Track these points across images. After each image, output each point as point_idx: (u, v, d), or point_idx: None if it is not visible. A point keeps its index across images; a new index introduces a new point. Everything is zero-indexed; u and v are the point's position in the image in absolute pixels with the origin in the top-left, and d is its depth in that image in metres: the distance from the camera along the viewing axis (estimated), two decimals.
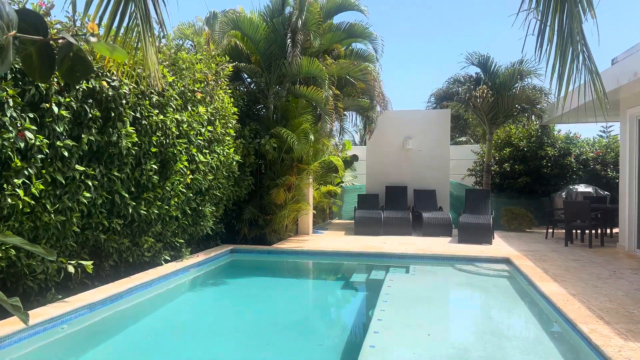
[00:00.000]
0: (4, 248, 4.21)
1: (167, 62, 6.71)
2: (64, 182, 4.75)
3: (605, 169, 13.66)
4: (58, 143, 4.65)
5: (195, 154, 6.99)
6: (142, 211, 6.00)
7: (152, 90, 6.05)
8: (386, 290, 5.78)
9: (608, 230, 10.91)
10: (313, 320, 5.58)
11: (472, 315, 5.60)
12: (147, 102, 6.00)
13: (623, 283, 5.96)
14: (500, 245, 9.25)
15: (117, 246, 5.81)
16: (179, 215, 6.95)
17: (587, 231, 9.49)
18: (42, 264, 4.67)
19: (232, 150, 8.12)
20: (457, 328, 5.06)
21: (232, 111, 8.21)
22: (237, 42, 10.03)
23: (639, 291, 5.53)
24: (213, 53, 8.23)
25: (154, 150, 6.14)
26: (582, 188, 12.54)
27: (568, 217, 9.44)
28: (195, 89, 7.15)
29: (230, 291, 6.59)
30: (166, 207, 6.50)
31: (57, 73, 1.14)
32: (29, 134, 4.27)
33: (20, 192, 4.24)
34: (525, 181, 13.79)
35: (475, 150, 15.39)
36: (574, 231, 10.16)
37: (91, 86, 5.07)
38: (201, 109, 7.15)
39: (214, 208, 7.94)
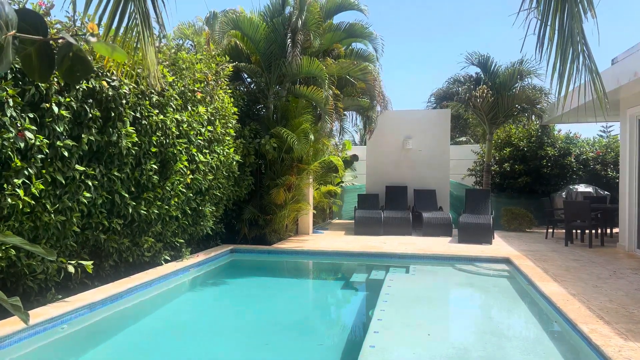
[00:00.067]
0: (4, 248, 4.21)
1: (167, 62, 6.71)
2: (64, 182, 4.75)
3: (605, 169, 13.66)
4: (58, 143, 4.65)
5: (195, 153, 6.99)
6: (142, 211, 6.00)
7: (152, 90, 6.05)
8: (386, 290, 5.78)
9: (608, 230, 10.91)
10: (313, 320, 5.58)
11: (472, 315, 5.60)
12: (147, 102, 6.00)
13: (623, 283, 5.96)
14: (500, 245, 9.25)
15: (117, 246, 5.81)
16: (179, 215, 6.95)
17: (587, 231, 9.49)
18: (42, 264, 4.67)
19: (232, 150, 8.12)
20: (457, 328, 5.06)
21: (232, 111, 8.21)
22: (237, 42, 10.03)
23: (639, 291, 5.53)
24: (213, 53, 8.22)
25: (154, 150, 6.14)
26: (582, 188, 12.54)
27: (568, 217, 9.44)
28: (195, 88, 7.15)
29: (230, 291, 6.59)
30: (166, 207, 6.50)
31: (56, 73, 1.14)
32: (28, 134, 4.27)
33: (20, 192, 4.24)
34: (525, 181, 13.79)
35: (475, 150, 15.39)
36: (574, 231, 10.15)
37: (91, 86, 5.07)
38: (201, 109, 7.15)
39: (214, 208, 7.94)
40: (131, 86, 5.62)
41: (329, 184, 13.23)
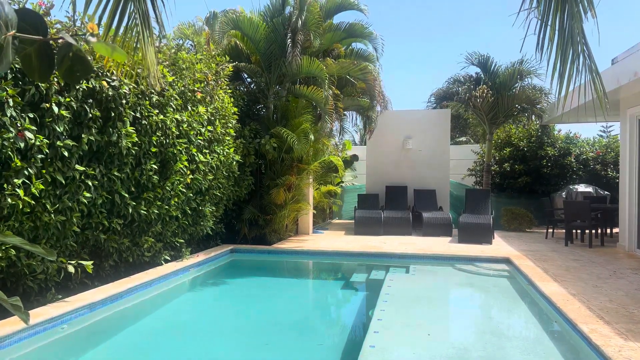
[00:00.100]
0: (4, 248, 4.21)
1: (167, 62, 6.71)
2: (64, 182, 4.75)
3: (605, 169, 13.66)
4: (58, 143, 4.65)
5: (195, 153, 6.99)
6: (142, 211, 6.00)
7: (152, 90, 6.05)
8: (386, 290, 5.78)
9: (608, 230, 10.91)
10: (313, 320, 5.58)
11: (472, 315, 5.60)
12: (147, 102, 6.00)
13: (623, 283, 5.96)
14: (500, 245, 9.25)
15: (117, 246, 5.81)
16: (179, 215, 6.95)
17: (587, 231, 9.49)
18: (42, 264, 4.67)
19: (232, 150, 8.12)
20: (457, 328, 5.06)
21: (232, 111, 8.21)
22: (237, 42, 10.03)
23: (639, 291, 5.53)
24: (213, 53, 8.22)
25: (154, 150, 6.14)
26: (582, 188, 12.54)
27: (568, 217, 9.44)
28: (195, 88, 7.15)
29: (230, 291, 6.59)
30: (166, 207, 6.50)
31: (56, 73, 1.14)
32: (28, 134, 4.27)
33: (20, 192, 4.24)
34: (525, 181, 13.79)
35: (475, 150, 15.39)
36: (574, 231, 10.15)
37: (91, 86, 5.07)
38: (201, 109, 7.15)
39: (214, 208, 7.94)
40: (131, 86, 5.62)
41: (329, 184, 13.23)
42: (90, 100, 5.12)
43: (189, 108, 6.95)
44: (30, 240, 4.62)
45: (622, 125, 9.17)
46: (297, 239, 9.96)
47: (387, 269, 7.46)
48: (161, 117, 6.16)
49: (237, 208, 9.44)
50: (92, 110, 5.09)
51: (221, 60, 8.13)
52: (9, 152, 4.17)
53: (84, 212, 5.21)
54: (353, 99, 11.42)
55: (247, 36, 9.40)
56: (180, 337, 4.62)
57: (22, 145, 4.25)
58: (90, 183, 5.07)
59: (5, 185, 4.21)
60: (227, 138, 8.03)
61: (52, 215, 4.69)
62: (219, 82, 7.92)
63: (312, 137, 9.13)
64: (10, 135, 4.11)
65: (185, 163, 6.71)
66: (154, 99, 6.11)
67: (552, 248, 9.00)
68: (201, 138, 7.22)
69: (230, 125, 8.12)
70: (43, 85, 4.51)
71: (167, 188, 6.42)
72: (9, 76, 4.25)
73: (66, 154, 4.72)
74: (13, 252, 4.32)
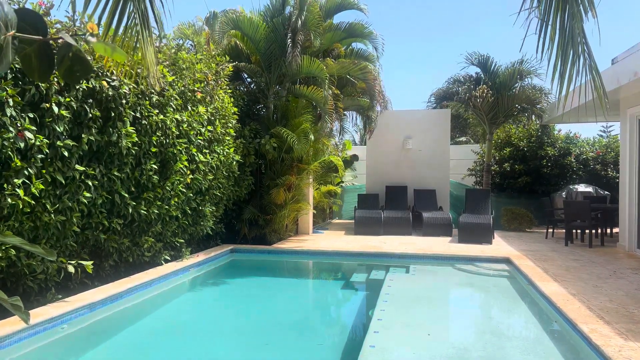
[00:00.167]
0: (4, 248, 4.21)
1: (168, 62, 6.71)
2: (64, 182, 4.75)
3: (605, 169, 13.66)
4: (58, 143, 4.65)
5: (195, 153, 6.99)
6: (142, 211, 6.00)
7: (152, 90, 6.05)
8: (386, 290, 5.78)
9: (608, 230, 10.90)
10: (313, 320, 5.58)
11: (472, 315, 5.60)
12: (147, 102, 6.00)
13: (623, 283, 5.96)
14: (500, 245, 9.25)
15: (117, 246, 5.81)
16: (179, 215, 6.95)
17: (587, 231, 9.49)
18: (42, 264, 4.67)
19: (232, 150, 8.12)
20: (457, 328, 5.06)
21: (232, 111, 8.21)
22: (237, 42, 10.03)
23: (639, 291, 5.53)
24: (213, 53, 8.22)
25: (154, 150, 6.14)
26: (582, 188, 12.54)
27: (568, 217, 9.44)
28: (195, 88, 7.15)
29: (230, 291, 6.59)
30: (166, 207, 6.50)
31: (56, 73, 1.13)
32: (28, 134, 4.27)
33: (20, 192, 4.24)
34: (526, 181, 13.79)
35: (475, 150, 15.39)
36: (574, 231, 10.15)
37: (91, 86, 5.07)
38: (201, 109, 7.15)
39: (214, 208, 7.94)
40: (131, 86, 5.63)
41: (329, 184, 13.23)
42: (90, 100, 5.12)
43: (189, 108, 6.95)
44: (30, 240, 4.62)
45: (622, 125, 9.17)
46: (297, 239, 9.96)
47: (387, 268, 7.46)
48: (161, 117, 6.16)
49: (237, 208, 9.44)
50: (92, 110, 5.09)
51: (221, 60, 8.13)
52: (9, 152, 4.17)
53: (84, 212, 5.21)
54: (353, 99, 11.41)
55: (247, 36, 9.40)
56: (180, 337, 4.62)
57: (22, 145, 4.25)
58: (90, 183, 5.07)
59: (5, 185, 4.21)
60: (227, 138, 8.03)
61: (52, 215, 4.69)
62: (219, 82, 7.92)
63: (312, 137, 9.13)
64: (10, 135, 4.11)
65: (185, 163, 6.71)
66: (154, 99, 6.11)
67: (552, 248, 9.00)
68: (201, 138, 7.22)
69: (230, 125, 8.12)
70: (43, 85, 4.51)
71: (167, 188, 6.42)
72: (9, 76, 4.25)
73: (66, 154, 4.72)
74: (13, 252, 4.32)
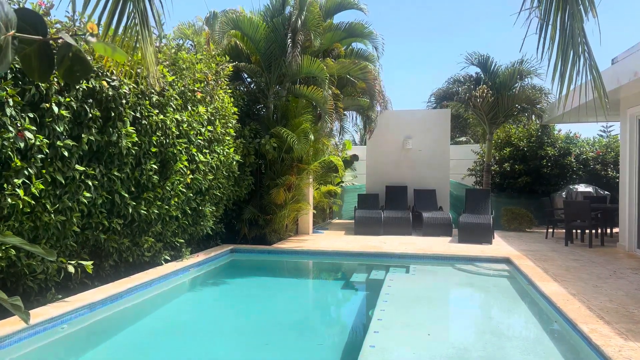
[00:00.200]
0: (4, 248, 4.21)
1: (168, 62, 6.71)
2: (64, 182, 4.75)
3: (605, 169, 13.66)
4: (58, 143, 4.65)
5: (195, 153, 6.99)
6: (142, 211, 6.00)
7: (152, 90, 6.05)
8: (386, 290, 5.78)
9: (608, 230, 10.90)
10: (313, 320, 5.58)
11: (472, 315, 5.60)
12: (147, 102, 6.00)
13: (623, 283, 5.96)
14: (500, 245, 9.25)
15: (117, 246, 5.80)
16: (179, 215, 6.95)
17: (587, 231, 9.49)
18: (42, 264, 4.67)
19: (232, 150, 8.12)
20: (457, 328, 5.06)
21: (232, 111, 8.21)
22: (237, 42, 10.02)
23: (639, 291, 5.53)
24: (213, 53, 8.22)
25: (154, 150, 6.13)
26: (582, 188, 12.54)
27: (568, 216, 9.43)
28: (195, 88, 7.15)
29: (230, 291, 6.59)
30: (166, 207, 6.50)
31: (56, 73, 1.13)
32: (28, 134, 4.27)
33: (20, 192, 4.24)
34: (525, 181, 13.79)
35: (475, 150, 15.39)
36: (574, 231, 10.15)
37: (91, 86, 5.07)
38: (201, 109, 7.15)
39: (214, 208, 7.94)
40: (131, 86, 5.62)
41: (329, 183, 13.23)
42: (90, 100, 5.12)
43: (189, 108, 6.95)
44: (30, 240, 4.62)
45: (622, 125, 9.17)
46: (297, 239, 9.96)
47: (387, 268, 7.46)
48: (161, 117, 6.16)
49: (237, 208, 9.44)
50: (92, 110, 5.09)
51: (221, 60, 8.13)
52: (9, 152, 4.17)
53: (84, 212, 5.21)
54: (353, 99, 11.41)
55: (247, 36, 9.40)
56: (180, 337, 4.62)
57: (22, 145, 4.25)
58: (90, 183, 5.07)
59: (5, 185, 4.21)
60: (227, 138, 8.02)
61: (52, 215, 4.69)
62: (219, 82, 7.92)
63: (312, 137, 9.12)
64: (10, 135, 4.11)
65: (185, 163, 6.71)
66: (154, 99, 6.11)
67: (552, 248, 9.00)
68: (201, 138, 7.22)
69: (230, 125, 8.12)
70: (43, 85, 4.51)
71: (167, 188, 6.42)
72: (9, 76, 4.25)
73: (66, 154, 4.72)
74: (13, 252, 4.32)
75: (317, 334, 4.94)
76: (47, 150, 4.56)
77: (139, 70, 5.18)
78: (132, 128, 5.62)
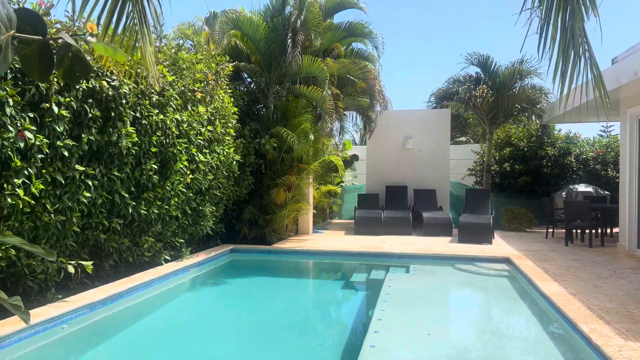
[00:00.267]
0: (4, 248, 4.21)
1: (168, 62, 6.71)
2: (64, 182, 4.75)
3: (605, 169, 13.66)
4: (58, 143, 4.64)
5: (195, 153, 6.99)
6: (142, 211, 6.00)
7: (152, 90, 6.05)
8: (386, 290, 5.78)
9: (608, 230, 10.90)
10: (313, 320, 5.58)
11: (472, 315, 5.60)
12: (147, 101, 5.99)
13: (623, 283, 5.96)
14: (500, 245, 9.25)
15: (117, 246, 5.80)
16: (179, 215, 6.95)
17: (587, 231, 9.49)
18: (42, 264, 4.66)
19: (232, 150, 8.12)
20: (457, 328, 5.06)
21: (232, 111, 8.21)
22: (237, 41, 10.02)
23: (639, 291, 5.53)
24: (213, 53, 8.22)
25: (154, 150, 6.13)
26: (582, 188, 12.54)
27: (568, 216, 9.43)
28: (195, 88, 7.15)
29: (230, 291, 6.59)
30: (166, 206, 6.50)
31: (56, 73, 1.13)
32: (28, 134, 4.27)
33: (20, 191, 4.23)
34: (526, 181, 13.79)
35: (475, 150, 15.39)
36: (574, 231, 10.15)
37: (91, 86, 5.07)
38: (201, 109, 7.15)
39: (214, 208, 7.94)
40: (131, 86, 5.62)
41: (329, 183, 13.23)
42: (90, 100, 5.12)
43: (189, 108, 6.95)
44: (30, 240, 4.62)
45: (622, 125, 9.17)
46: (297, 239, 9.95)
47: (387, 268, 7.46)
48: (161, 117, 6.16)
49: (237, 208, 9.44)
50: (92, 110, 5.09)
51: (221, 60, 8.13)
52: (9, 152, 4.17)
53: (84, 212, 5.21)
54: (353, 99, 11.41)
55: (247, 36, 9.40)
56: (180, 337, 4.62)
57: (22, 145, 4.24)
58: (90, 183, 5.07)
59: (5, 185, 4.21)
60: (227, 138, 8.02)
61: (52, 215, 4.68)
62: (219, 82, 7.92)
63: (312, 137, 9.12)
64: (10, 135, 4.10)
65: (185, 163, 6.71)
66: (154, 99, 6.11)
67: (552, 248, 9.00)
68: (201, 138, 7.22)
69: (230, 125, 8.11)
70: (43, 85, 4.50)
71: (167, 188, 6.42)
72: (9, 76, 4.25)
73: (66, 153, 4.72)
74: (13, 252, 4.32)
75: (317, 333, 4.94)
76: (47, 150, 4.56)
77: (138, 70, 5.18)
78: (132, 128, 5.62)
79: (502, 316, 5.47)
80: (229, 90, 8.38)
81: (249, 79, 10.65)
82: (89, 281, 5.52)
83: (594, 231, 9.60)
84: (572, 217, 9.44)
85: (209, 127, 7.40)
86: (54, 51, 1.10)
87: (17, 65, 4.30)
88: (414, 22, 42.91)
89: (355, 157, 14.56)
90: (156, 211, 6.23)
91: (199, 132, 7.15)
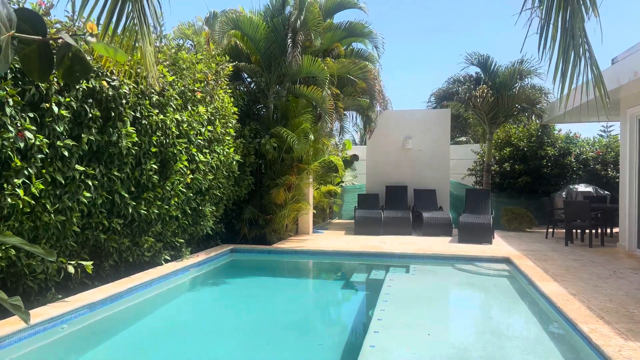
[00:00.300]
0: (4, 248, 4.21)
1: (168, 62, 6.71)
2: (64, 182, 4.75)
3: (605, 169, 13.66)
4: (58, 143, 4.64)
5: (195, 153, 6.99)
6: (142, 211, 6.00)
7: (152, 90, 6.05)
8: (386, 290, 5.78)
9: (608, 230, 10.90)
10: (313, 320, 5.58)
11: (472, 315, 5.60)
12: (147, 101, 5.99)
13: (623, 283, 5.96)
14: (500, 245, 9.25)
15: (117, 246, 5.80)
16: (179, 215, 6.95)
17: (587, 231, 9.49)
18: (42, 264, 4.66)
19: (232, 150, 8.12)
20: (457, 328, 5.06)
21: (232, 111, 8.21)
22: (237, 41, 10.02)
23: (639, 291, 5.53)
24: (213, 53, 8.22)
25: (154, 150, 6.13)
26: (582, 188, 12.54)
27: (568, 216, 9.43)
28: (195, 88, 7.15)
29: (230, 291, 6.59)
30: (166, 206, 6.49)
31: (56, 73, 1.13)
32: (28, 134, 4.27)
33: (20, 191, 4.23)
34: (526, 181, 13.79)
35: (475, 150, 15.39)
36: (574, 231, 10.15)
37: (91, 86, 5.07)
38: (201, 109, 7.15)
39: (214, 208, 7.93)
40: (131, 86, 5.62)
41: (329, 183, 13.23)
42: (90, 100, 5.12)
43: (189, 108, 6.95)
44: (30, 240, 4.62)
45: (622, 125, 9.17)
46: (297, 239, 9.95)
47: (387, 268, 7.46)
48: (161, 117, 6.16)
49: (237, 208, 9.44)
50: (92, 110, 5.09)
51: (221, 60, 8.13)
52: (9, 152, 4.17)
53: (84, 212, 5.21)
54: (353, 99, 11.41)
55: (247, 36, 9.40)
56: (180, 337, 4.62)
57: (22, 145, 4.24)
58: (90, 183, 5.07)
59: (5, 185, 4.21)
60: (227, 138, 8.02)
61: (52, 215, 4.68)
62: (219, 82, 7.92)
63: (312, 137, 9.12)
64: (10, 135, 4.10)
65: (185, 163, 6.71)
66: (154, 99, 6.11)
67: (552, 248, 9.00)
68: (201, 138, 7.22)
69: (230, 125, 8.11)
70: (43, 85, 4.50)
71: (167, 188, 6.42)
72: (9, 76, 4.25)
73: (66, 153, 4.72)
74: (13, 252, 4.32)
75: (317, 333, 4.94)
76: (47, 150, 4.56)
77: (138, 70, 5.18)
78: (132, 128, 5.62)
79: (502, 316, 5.47)
80: (229, 90, 8.38)
81: (249, 79, 10.65)
82: (89, 281, 5.52)
83: (594, 231, 9.60)
84: (572, 217, 9.44)
85: (209, 127, 7.40)
86: (54, 51, 1.10)
87: (17, 65, 4.30)
88: (414, 22, 42.92)
89: (355, 157, 14.56)
90: (156, 211, 6.23)
91: (199, 132, 7.15)
